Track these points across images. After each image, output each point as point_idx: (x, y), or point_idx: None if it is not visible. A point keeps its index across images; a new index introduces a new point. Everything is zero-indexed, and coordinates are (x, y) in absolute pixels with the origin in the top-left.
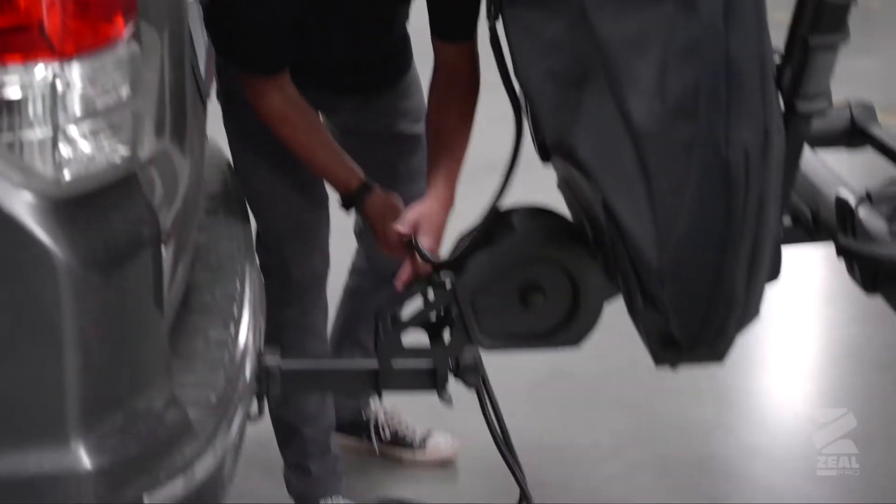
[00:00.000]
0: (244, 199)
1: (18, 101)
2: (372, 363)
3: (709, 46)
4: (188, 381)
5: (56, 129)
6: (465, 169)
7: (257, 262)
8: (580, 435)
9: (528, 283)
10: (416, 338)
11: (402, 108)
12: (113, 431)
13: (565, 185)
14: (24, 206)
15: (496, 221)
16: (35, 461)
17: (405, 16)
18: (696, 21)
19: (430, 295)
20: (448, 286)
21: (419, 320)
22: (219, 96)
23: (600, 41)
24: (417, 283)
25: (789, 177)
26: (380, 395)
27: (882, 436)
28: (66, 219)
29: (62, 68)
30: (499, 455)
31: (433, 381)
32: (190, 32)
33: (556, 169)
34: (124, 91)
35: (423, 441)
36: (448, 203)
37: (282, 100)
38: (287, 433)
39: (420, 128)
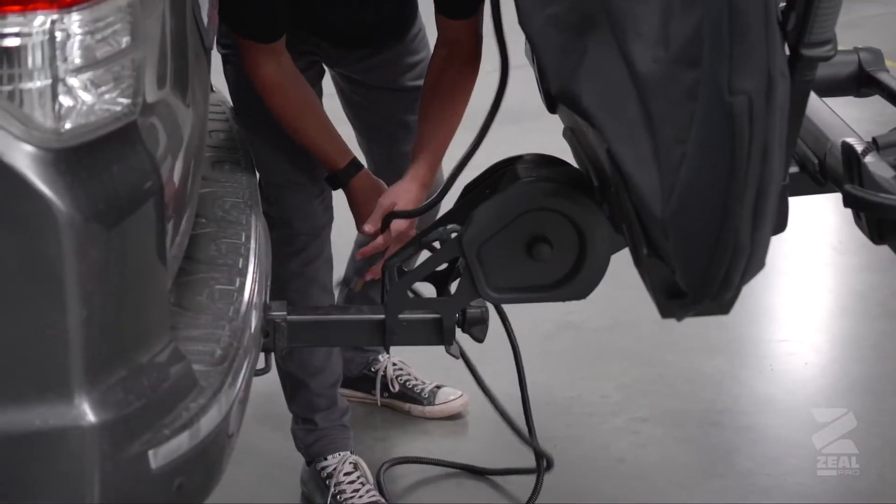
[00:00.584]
0: (249, 151)
1: (17, 51)
2: (379, 315)
3: None
4: (193, 335)
5: (56, 78)
6: (474, 119)
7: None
8: (589, 388)
9: (535, 235)
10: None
11: (408, 61)
12: (117, 386)
13: (571, 135)
14: (24, 157)
15: (502, 171)
16: (39, 416)
17: None
18: None
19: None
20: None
21: (426, 272)
22: (218, 44)
23: None
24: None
25: (795, 124)
26: (386, 348)
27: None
28: (67, 170)
29: (61, 17)
30: (508, 409)
31: (440, 334)
32: None
33: (562, 118)
34: (124, 40)
35: (433, 395)
36: (427, 184)
37: (276, 69)
38: (293, 386)
39: (421, 81)
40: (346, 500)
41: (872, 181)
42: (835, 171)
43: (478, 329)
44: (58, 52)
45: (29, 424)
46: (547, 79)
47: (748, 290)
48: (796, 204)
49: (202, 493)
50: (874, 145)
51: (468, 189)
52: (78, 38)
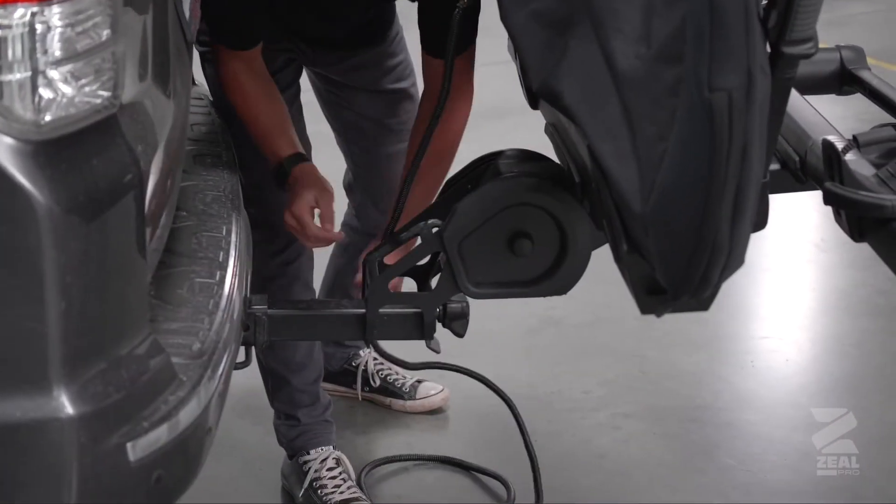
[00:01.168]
0: (231, 144)
1: None
2: (359, 309)
3: None
4: (172, 328)
5: (35, 71)
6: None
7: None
8: (570, 384)
9: (516, 230)
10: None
11: (387, 64)
12: (96, 378)
13: (552, 130)
14: (3, 149)
15: (483, 166)
16: (17, 408)
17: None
18: None
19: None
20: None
21: (406, 267)
22: (197, 42)
23: None
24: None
25: (775, 121)
26: (367, 342)
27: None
28: (47, 162)
29: (41, 10)
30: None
31: (420, 329)
32: None
33: (544, 114)
34: (105, 33)
35: (413, 390)
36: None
37: (243, 71)
38: (275, 383)
39: (405, 84)
40: (326, 494)
41: (853, 179)
42: (815, 169)
43: (458, 324)
44: (38, 45)
45: (7, 416)
46: (529, 75)
47: (730, 287)
48: (777, 201)
49: (181, 486)
50: (855, 143)
51: (450, 183)
52: (58, 30)
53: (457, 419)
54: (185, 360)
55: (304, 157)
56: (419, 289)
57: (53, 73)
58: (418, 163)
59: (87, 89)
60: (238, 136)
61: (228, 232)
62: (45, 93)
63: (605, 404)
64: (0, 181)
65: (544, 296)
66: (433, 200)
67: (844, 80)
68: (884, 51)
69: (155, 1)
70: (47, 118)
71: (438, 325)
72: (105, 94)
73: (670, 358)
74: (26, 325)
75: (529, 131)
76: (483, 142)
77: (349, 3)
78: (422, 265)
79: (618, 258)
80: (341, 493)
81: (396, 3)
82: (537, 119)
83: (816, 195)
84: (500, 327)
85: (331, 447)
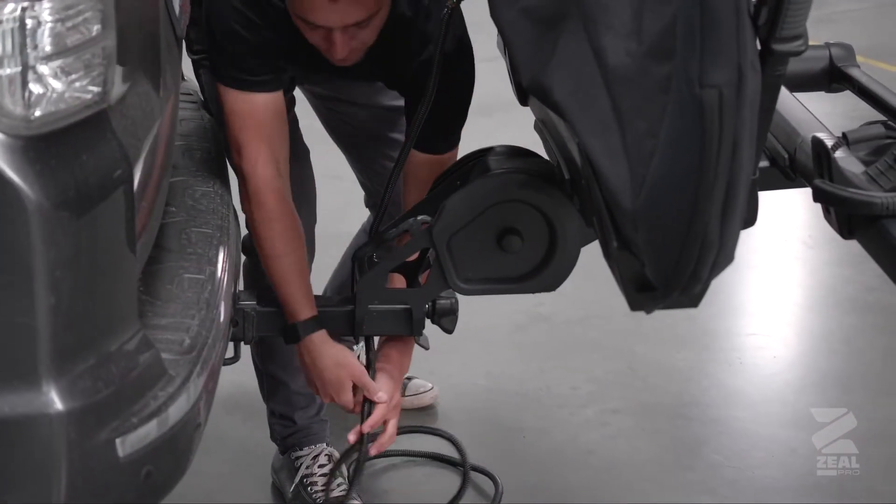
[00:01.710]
0: (220, 139)
1: None
2: (349, 306)
3: None
4: (161, 324)
5: (25, 66)
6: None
7: (233, 202)
8: (559, 379)
9: (505, 226)
10: None
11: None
12: (85, 374)
13: (542, 127)
14: None
15: (473, 163)
16: (7, 403)
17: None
18: None
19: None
20: (425, 228)
21: (396, 263)
22: (189, 50)
23: None
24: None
25: (765, 118)
26: (356, 338)
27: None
28: (36, 157)
29: (32, 5)
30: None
31: (409, 325)
32: None
33: (534, 110)
34: (95, 28)
35: (403, 387)
36: (399, 377)
37: (274, 174)
38: (272, 385)
39: (402, 101)
40: (316, 492)
41: (842, 176)
42: (805, 166)
43: (447, 320)
44: (28, 40)
45: None
46: (519, 71)
47: (718, 284)
48: (766, 198)
49: (170, 481)
50: (844, 140)
51: (439, 180)
52: (48, 25)
53: (445, 416)
54: (175, 355)
55: (320, 323)
56: (408, 285)
57: (43, 69)
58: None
59: (77, 84)
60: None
61: (217, 227)
62: (35, 88)
63: (594, 401)
64: None
65: (533, 292)
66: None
67: (834, 77)
68: (873, 48)
69: None
70: (37, 113)
71: (427, 322)
72: (95, 89)
73: (658, 355)
74: (16, 321)
75: (518, 128)
76: (471, 138)
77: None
78: (411, 262)
79: (607, 255)
80: (331, 490)
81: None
82: (525, 115)
83: (804, 192)
84: (488, 323)
85: (323, 444)
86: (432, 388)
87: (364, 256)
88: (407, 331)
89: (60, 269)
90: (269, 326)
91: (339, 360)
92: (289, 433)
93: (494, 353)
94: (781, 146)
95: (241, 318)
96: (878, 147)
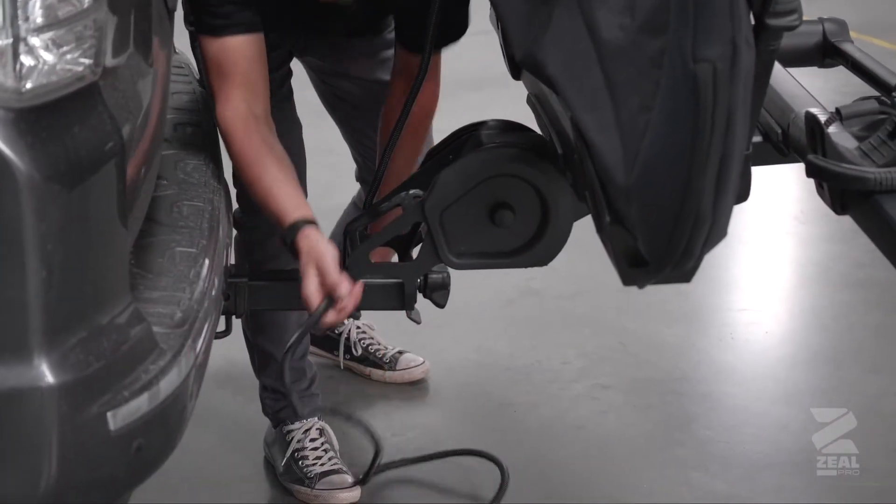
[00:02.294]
0: (213, 113)
1: None
2: None
3: None
4: (153, 297)
5: (17, 38)
6: (443, 85)
7: (224, 174)
8: (550, 355)
9: (497, 201)
10: None
11: (382, 55)
12: (76, 347)
13: (535, 101)
14: None
15: (465, 137)
16: None
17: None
18: None
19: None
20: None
21: (387, 237)
22: (186, 21)
23: None
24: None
25: (759, 93)
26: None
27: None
28: (27, 130)
29: None
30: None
31: (401, 299)
32: None
33: (526, 85)
34: (87, 0)
35: (394, 360)
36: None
37: (246, 110)
38: (263, 359)
39: None
40: (307, 466)
41: (835, 151)
42: (798, 142)
43: (439, 294)
44: (19, 12)
45: None
46: (512, 45)
47: (710, 260)
48: (759, 173)
49: (161, 455)
50: (837, 116)
51: (431, 154)
52: None
53: (436, 391)
54: (166, 329)
55: (307, 221)
56: (400, 259)
57: (35, 41)
58: (396, 136)
59: (68, 57)
60: None
61: (209, 201)
62: (27, 60)
63: (584, 376)
64: None
65: (525, 267)
66: (414, 170)
67: (827, 52)
68: (866, 24)
69: None
70: (28, 85)
71: (419, 296)
72: (86, 61)
73: (649, 330)
74: (7, 294)
75: (510, 102)
76: (462, 112)
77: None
78: (403, 235)
79: (600, 229)
80: (322, 464)
81: None
82: (517, 89)
83: (796, 168)
84: (480, 298)
85: (315, 418)
86: (423, 363)
87: (356, 230)
88: (399, 305)
89: (51, 243)
90: (262, 300)
91: (312, 245)
92: (280, 407)
93: (485, 328)
94: (775, 121)
95: (234, 291)
96: (872, 122)
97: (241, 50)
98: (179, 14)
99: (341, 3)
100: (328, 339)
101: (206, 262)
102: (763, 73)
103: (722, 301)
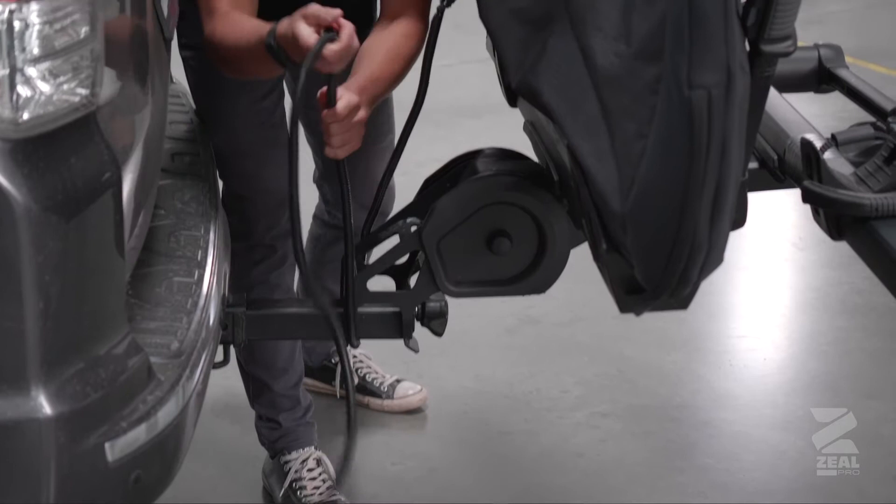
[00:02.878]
0: (209, 144)
1: None
2: (338, 309)
3: None
4: (150, 327)
5: (13, 68)
6: (440, 113)
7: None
8: (548, 382)
9: (494, 228)
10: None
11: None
12: (74, 378)
13: (531, 129)
14: None
15: (462, 165)
16: None
17: None
18: None
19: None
20: (414, 231)
21: (385, 266)
22: (180, 46)
23: None
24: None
25: (754, 119)
26: (349, 342)
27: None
28: (24, 160)
29: (20, 7)
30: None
31: (399, 328)
32: None
33: (523, 112)
34: (83, 30)
35: (392, 389)
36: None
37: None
38: (256, 387)
39: None
40: (305, 496)
41: (831, 177)
42: (794, 167)
43: (437, 323)
44: (16, 42)
45: None
46: (508, 72)
47: (707, 286)
48: (757, 199)
49: (159, 486)
50: (833, 142)
51: (428, 182)
52: (36, 27)
53: (435, 419)
54: (164, 359)
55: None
56: (398, 288)
57: (31, 71)
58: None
59: (65, 87)
60: (217, 144)
61: (207, 230)
62: (23, 91)
63: (583, 403)
64: None
65: (523, 294)
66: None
67: (822, 78)
68: (861, 49)
69: None
70: (25, 116)
71: (417, 325)
72: (83, 91)
73: (648, 357)
74: (4, 325)
75: (507, 130)
76: (459, 140)
77: None
78: (400, 264)
79: (597, 257)
80: (320, 494)
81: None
82: (514, 117)
83: (794, 193)
84: (478, 326)
85: (312, 447)
86: (421, 391)
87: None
88: (397, 334)
89: (49, 273)
90: (260, 330)
91: (290, 17)
92: (276, 437)
93: (483, 356)
94: (771, 147)
95: (231, 321)
96: (868, 148)
97: None
98: (175, 43)
99: None
100: (325, 370)
101: (204, 291)
102: (759, 99)
103: (720, 327)
